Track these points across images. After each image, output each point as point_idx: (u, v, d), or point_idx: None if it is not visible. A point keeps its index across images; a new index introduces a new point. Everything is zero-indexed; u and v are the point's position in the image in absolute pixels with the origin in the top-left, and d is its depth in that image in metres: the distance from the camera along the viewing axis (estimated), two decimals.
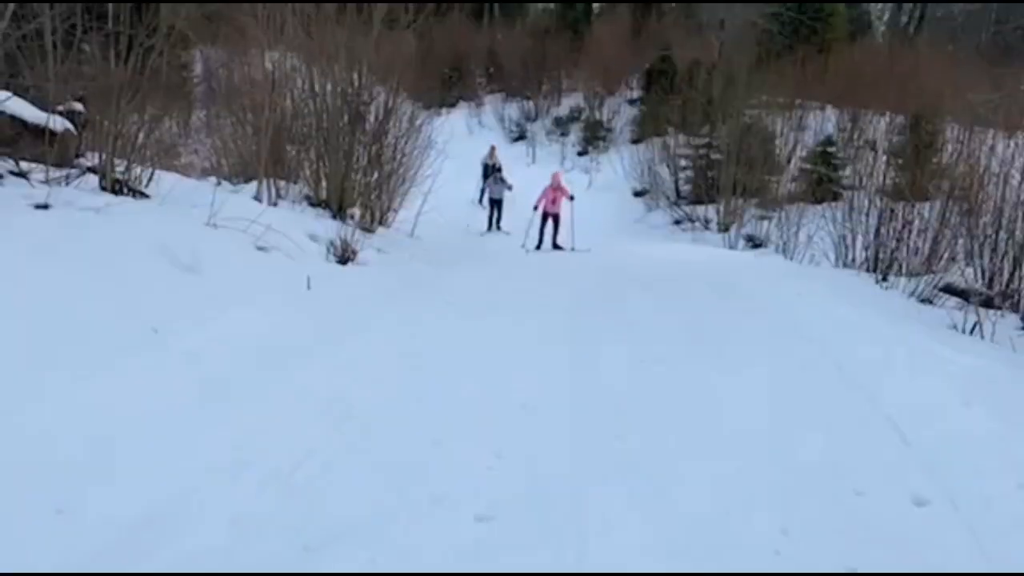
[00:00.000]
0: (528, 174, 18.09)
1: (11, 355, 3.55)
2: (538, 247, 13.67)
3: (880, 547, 2.80)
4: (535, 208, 14.06)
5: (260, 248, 6.63)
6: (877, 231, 9.74)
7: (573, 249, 13.37)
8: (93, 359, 3.80)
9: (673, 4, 33.80)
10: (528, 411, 3.97)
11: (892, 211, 9.66)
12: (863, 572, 2.71)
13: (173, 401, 3.66)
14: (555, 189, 13.98)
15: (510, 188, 16.01)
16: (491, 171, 17.58)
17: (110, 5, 6.70)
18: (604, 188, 20.66)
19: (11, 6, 5.52)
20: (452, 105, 29.34)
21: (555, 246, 13.81)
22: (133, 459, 3.06)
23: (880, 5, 35.34)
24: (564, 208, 14.10)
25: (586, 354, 5.18)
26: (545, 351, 5.15)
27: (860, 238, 10.10)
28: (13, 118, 5.85)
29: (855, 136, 20.89)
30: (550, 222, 13.98)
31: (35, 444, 3.03)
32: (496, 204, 16.20)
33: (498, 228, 15.97)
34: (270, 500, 2.92)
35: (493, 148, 19.34)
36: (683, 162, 21.21)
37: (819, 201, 15.98)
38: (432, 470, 3.24)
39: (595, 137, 25.80)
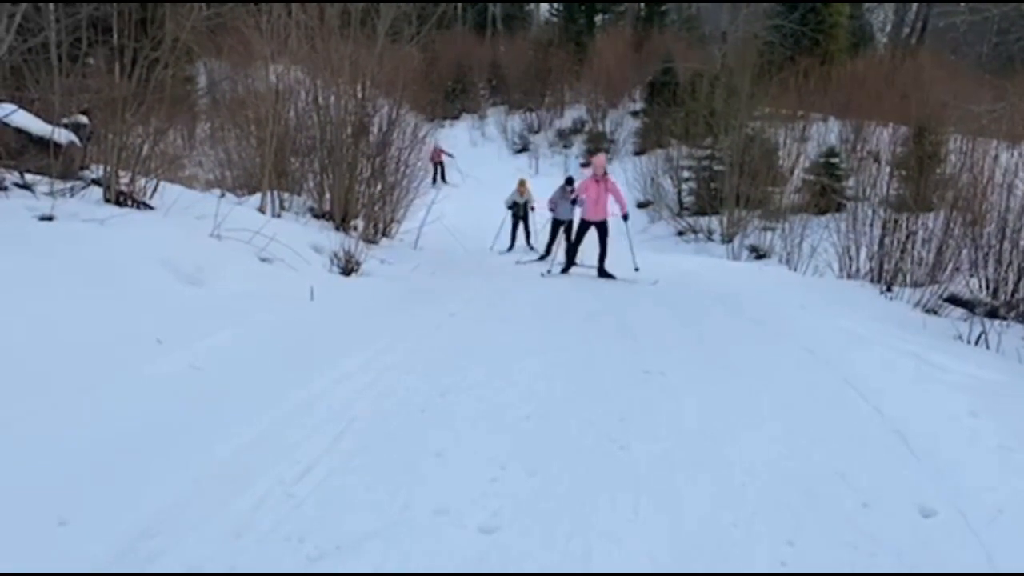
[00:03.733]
0: (531, 185, 16.13)
1: (15, 366, 3.55)
2: (566, 269, 10.42)
3: (888, 559, 2.77)
4: (572, 202, 10.59)
5: (263, 259, 6.65)
6: (881, 242, 9.73)
7: (637, 270, 9.94)
8: (96, 371, 3.80)
9: (675, 17, 33.93)
10: (532, 422, 3.95)
11: (896, 222, 9.65)
12: (865, 572, 2.71)
13: (176, 412, 3.65)
14: (598, 181, 9.98)
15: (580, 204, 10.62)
16: (524, 210, 14.74)
17: (115, 19, 6.74)
18: None
19: (16, 20, 5.55)
20: (455, 117, 29.57)
21: (601, 271, 10.08)
22: (136, 470, 3.05)
23: (882, 17, 35.50)
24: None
25: (589, 363, 5.16)
26: (549, 361, 5.13)
27: (864, 249, 10.09)
28: (18, 131, 5.88)
29: (858, 147, 20.98)
30: (592, 234, 10.15)
31: (38, 454, 3.03)
32: (564, 227, 11.75)
33: (572, 262, 10.71)
34: (272, 512, 2.90)
35: (523, 182, 15.09)
36: (686, 173, 21.27)
37: (822, 212, 16.01)
38: (435, 482, 3.22)
39: (598, 149, 25.92)
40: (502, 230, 14.74)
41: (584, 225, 10.25)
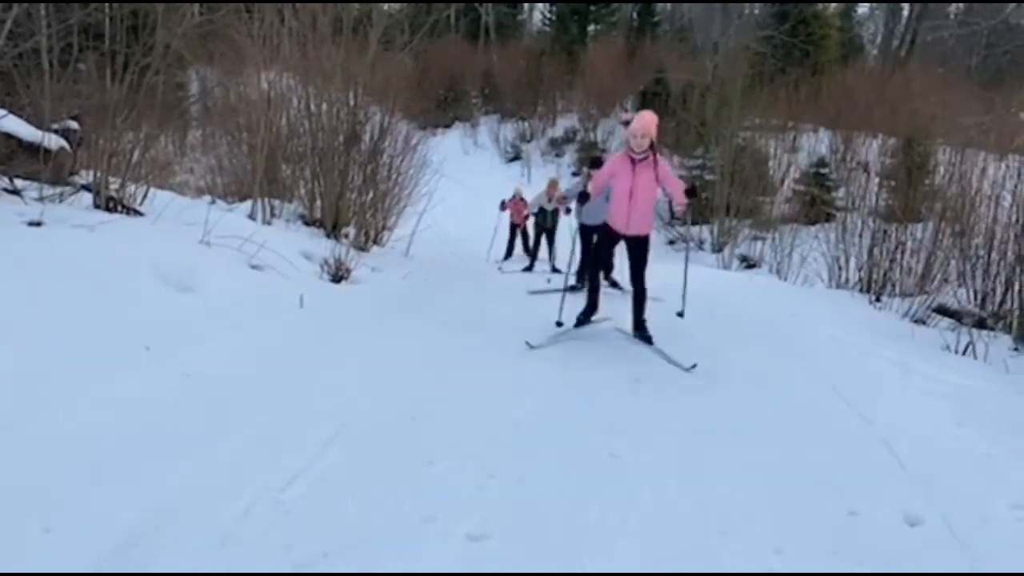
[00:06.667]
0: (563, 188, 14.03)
1: (2, 372, 3.53)
2: (586, 318, 6.24)
3: (874, 567, 2.78)
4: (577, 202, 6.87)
5: (254, 266, 6.64)
6: (870, 252, 9.79)
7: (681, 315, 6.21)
8: (85, 377, 3.78)
9: (667, 27, 34.20)
10: (522, 430, 3.96)
11: (885, 232, 9.72)
12: (862, 572, 2.73)
13: (164, 419, 3.63)
14: (636, 162, 5.75)
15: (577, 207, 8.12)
16: (553, 220, 12.51)
17: (107, 24, 6.74)
18: None
19: (7, 24, 5.54)
20: (447, 126, 29.65)
21: (639, 326, 5.97)
22: (123, 477, 3.03)
23: (872, 29, 35.81)
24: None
25: (578, 372, 5.16)
26: (539, 369, 5.13)
27: (853, 259, 10.16)
28: (8, 136, 5.86)
29: (848, 158, 21.14)
30: (619, 251, 6.47)
31: (24, 461, 3.01)
32: (599, 233, 7.21)
33: (610, 283, 8.52)
34: (260, 520, 2.89)
35: (554, 183, 12.79)
36: None
37: (812, 222, 16.12)
38: (424, 489, 3.22)
39: (590, 158, 25.97)
40: (496, 237, 13.72)
41: (609, 237, 6.12)
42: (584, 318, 6.23)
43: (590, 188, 6.36)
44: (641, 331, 6.00)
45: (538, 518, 3.01)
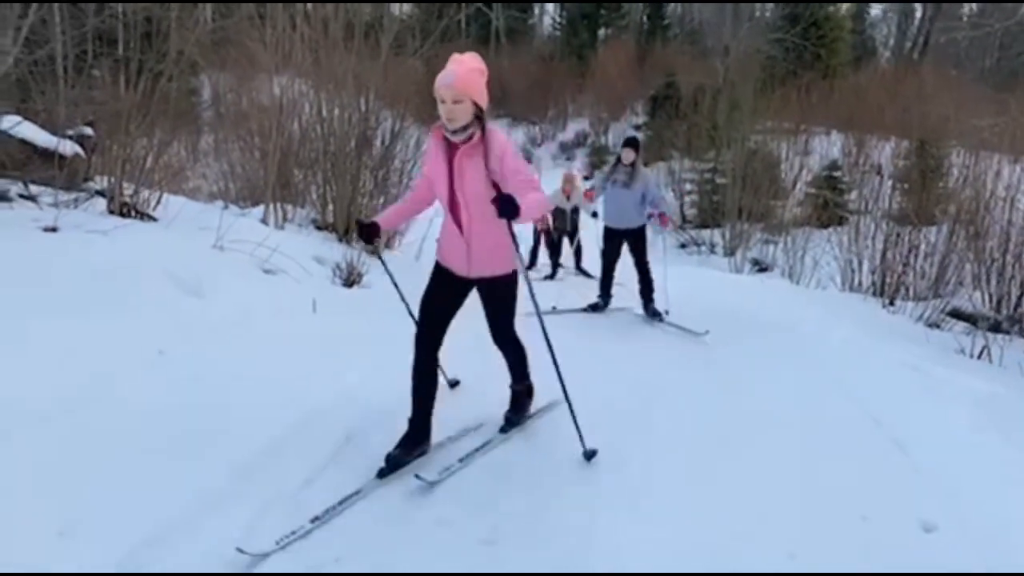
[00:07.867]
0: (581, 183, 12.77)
1: (16, 376, 3.56)
2: (409, 446, 3.53)
3: (887, 572, 2.76)
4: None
5: (266, 271, 6.66)
6: (883, 255, 9.74)
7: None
8: (99, 381, 3.80)
9: (678, 31, 34.20)
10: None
11: (898, 235, 9.67)
12: (866, 572, 2.72)
13: (178, 423, 3.64)
14: (459, 149, 3.48)
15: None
16: (573, 221, 11.05)
17: (120, 31, 6.80)
18: None
19: (23, 32, 5.60)
20: None
21: (512, 412, 4.07)
22: (137, 480, 3.04)
23: (885, 31, 35.67)
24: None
25: (589, 377, 5.13)
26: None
27: (866, 262, 10.11)
28: (23, 142, 5.91)
29: (860, 161, 21.03)
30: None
31: (38, 465, 3.02)
32: (629, 244, 7.12)
33: (649, 310, 7.12)
34: (273, 521, 2.90)
35: (571, 178, 11.34)
36: (688, 186, 21.31)
37: (825, 225, 16.02)
38: (437, 493, 3.22)
39: (601, 162, 26.05)
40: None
41: (440, 285, 3.89)
42: (406, 444, 3.51)
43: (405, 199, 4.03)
44: (515, 410, 3.97)
45: (549, 522, 3.01)
